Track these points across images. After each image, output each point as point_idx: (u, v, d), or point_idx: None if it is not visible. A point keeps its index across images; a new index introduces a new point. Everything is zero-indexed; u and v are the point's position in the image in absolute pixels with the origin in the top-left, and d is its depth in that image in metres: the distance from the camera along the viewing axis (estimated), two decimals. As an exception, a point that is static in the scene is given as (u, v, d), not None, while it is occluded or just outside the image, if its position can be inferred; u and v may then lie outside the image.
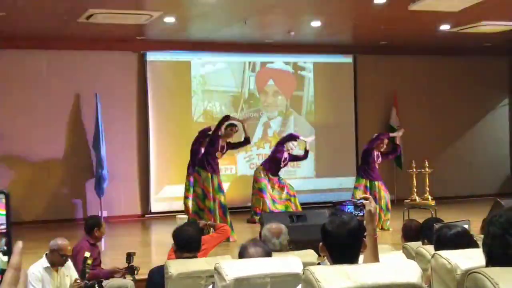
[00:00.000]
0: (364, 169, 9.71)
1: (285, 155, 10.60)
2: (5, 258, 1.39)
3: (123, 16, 9.08)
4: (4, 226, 1.39)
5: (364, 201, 2.98)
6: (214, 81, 12.86)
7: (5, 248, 1.40)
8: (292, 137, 10.83)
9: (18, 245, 1.38)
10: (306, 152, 10.92)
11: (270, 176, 10.51)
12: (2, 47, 10.66)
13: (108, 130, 10.96)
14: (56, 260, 5.03)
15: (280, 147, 10.63)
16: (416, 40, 12.02)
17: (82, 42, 10.93)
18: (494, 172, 13.95)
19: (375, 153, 9.67)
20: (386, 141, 9.80)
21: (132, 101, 11.65)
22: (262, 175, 10.45)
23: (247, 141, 9.69)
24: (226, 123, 9.16)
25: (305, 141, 10.94)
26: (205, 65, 12.95)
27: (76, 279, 5.04)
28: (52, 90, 11.03)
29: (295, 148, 10.86)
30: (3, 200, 1.40)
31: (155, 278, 4.26)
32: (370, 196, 3.04)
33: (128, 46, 11.42)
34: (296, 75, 13.57)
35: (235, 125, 9.31)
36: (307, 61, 13.42)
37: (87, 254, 5.28)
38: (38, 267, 4.98)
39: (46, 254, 5.11)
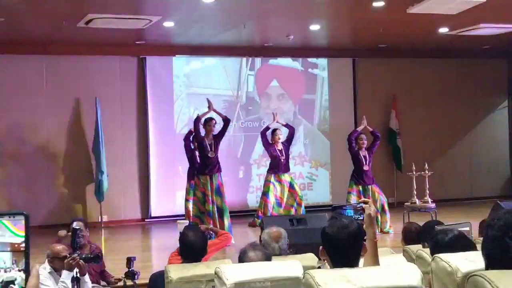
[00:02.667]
0: (354, 174, 9.62)
1: (279, 147, 10.05)
2: (23, 275, 1.46)
3: (122, 21, 9.09)
4: (23, 245, 1.42)
5: (363, 205, 2.99)
6: (202, 82, 11.25)
7: (23, 267, 1.47)
8: (265, 132, 10.06)
9: (35, 267, 1.43)
10: (287, 125, 10.28)
11: (281, 177, 10.07)
12: (1, 52, 10.67)
13: (108, 135, 10.97)
14: (59, 265, 4.98)
15: (269, 147, 10.08)
16: (415, 43, 12.02)
17: (82, 47, 10.94)
18: (494, 175, 13.93)
19: (362, 154, 9.53)
20: (362, 136, 9.62)
21: (132, 105, 11.63)
22: (270, 179, 10.08)
23: (227, 121, 9.24)
24: (201, 123, 9.01)
25: (277, 122, 10.14)
26: (190, 62, 11.18)
27: (68, 255, 4.62)
28: (52, 95, 11.04)
29: (281, 133, 10.11)
30: (23, 222, 1.40)
31: (156, 283, 4.25)
32: (370, 200, 3.05)
33: (127, 51, 11.43)
34: (306, 74, 11.85)
35: (211, 119, 9.07)
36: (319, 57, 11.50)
37: (75, 225, 5.06)
38: (41, 270, 4.94)
39: (48, 260, 5.06)
